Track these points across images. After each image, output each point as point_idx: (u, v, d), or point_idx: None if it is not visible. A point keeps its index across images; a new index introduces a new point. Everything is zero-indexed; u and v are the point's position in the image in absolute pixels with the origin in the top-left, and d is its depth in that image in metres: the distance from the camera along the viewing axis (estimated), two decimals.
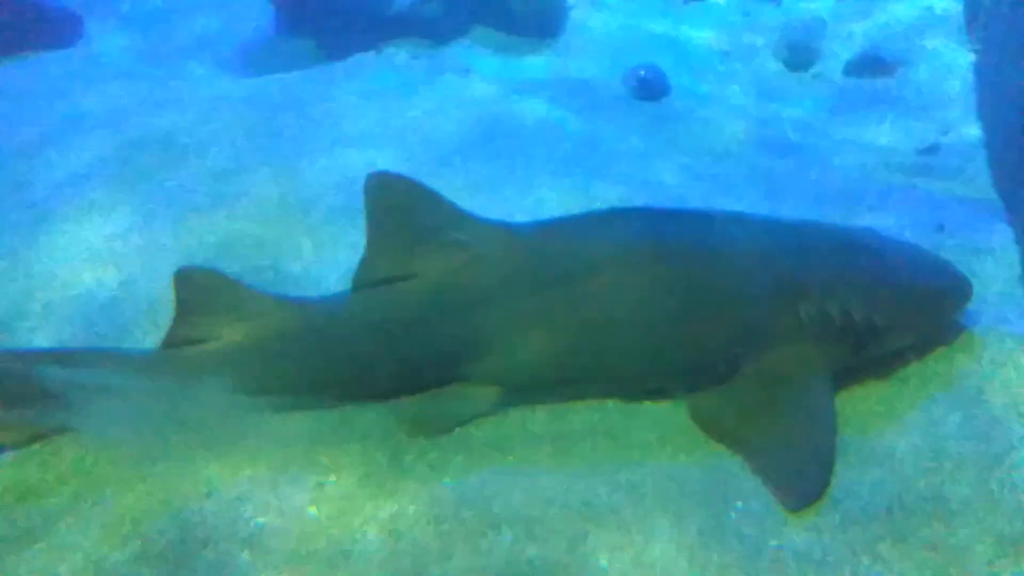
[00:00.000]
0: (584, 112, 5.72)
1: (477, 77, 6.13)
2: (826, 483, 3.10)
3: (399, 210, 3.50)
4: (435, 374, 3.44)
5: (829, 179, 5.09)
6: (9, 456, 3.31)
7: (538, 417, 3.42)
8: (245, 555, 2.92)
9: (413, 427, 3.36)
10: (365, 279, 3.49)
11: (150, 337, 3.75)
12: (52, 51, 6.56)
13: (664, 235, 3.56)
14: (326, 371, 3.43)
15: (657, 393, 3.47)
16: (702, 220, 3.73)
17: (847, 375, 3.47)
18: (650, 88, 6.12)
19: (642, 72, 6.18)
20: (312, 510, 3.06)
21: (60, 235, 4.44)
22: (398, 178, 3.53)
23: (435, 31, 6.53)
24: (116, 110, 5.64)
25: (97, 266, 4.22)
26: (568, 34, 6.85)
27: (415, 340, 3.39)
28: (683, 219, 3.76)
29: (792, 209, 4.56)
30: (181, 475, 3.19)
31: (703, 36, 6.97)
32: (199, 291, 3.39)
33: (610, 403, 3.45)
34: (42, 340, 3.83)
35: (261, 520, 3.02)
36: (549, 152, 5.17)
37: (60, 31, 6.67)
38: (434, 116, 5.55)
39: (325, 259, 4.29)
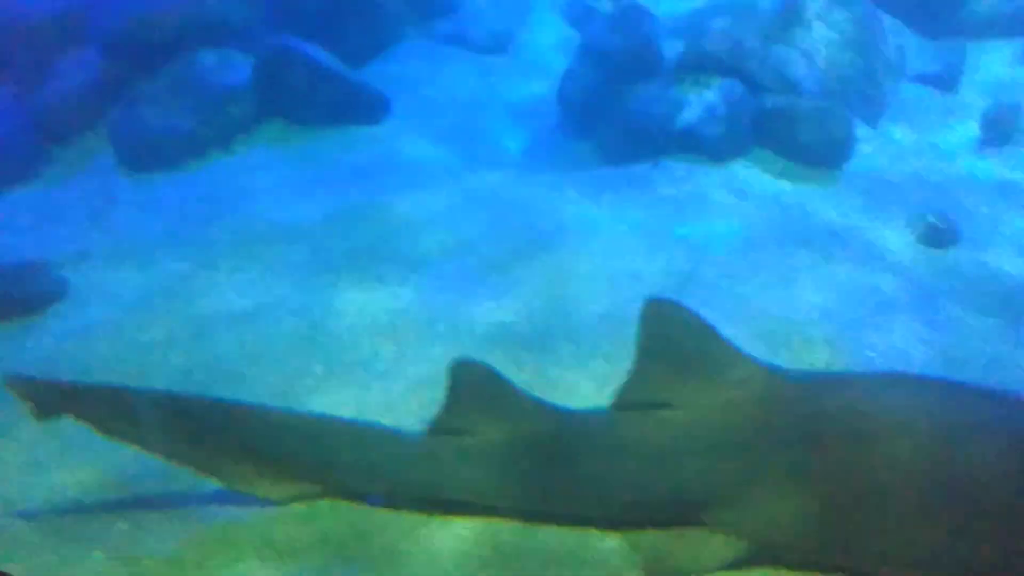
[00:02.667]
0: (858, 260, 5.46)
1: (752, 200, 6.07)
2: None
3: (672, 338, 3.48)
4: (679, 512, 3.36)
5: None
6: (273, 511, 3.59)
7: None
8: None
9: (654, 565, 3.28)
10: (626, 400, 3.50)
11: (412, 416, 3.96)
12: (363, 127, 7.27)
13: (953, 410, 3.29)
14: (572, 484, 3.44)
15: None
16: (995, 401, 3.41)
17: None
18: (939, 236, 5.76)
19: (930, 218, 5.85)
20: None
21: (350, 303, 4.85)
22: (674, 306, 3.51)
23: (715, 149, 6.55)
24: (393, 191, 6.13)
25: (377, 337, 4.56)
26: (852, 166, 6.63)
27: (665, 472, 3.33)
28: (975, 397, 3.46)
29: None
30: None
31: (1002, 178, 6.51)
32: (470, 384, 3.54)
33: None
34: (319, 401, 4.16)
35: None
36: None
37: (371, 109, 7.38)
38: (704, 234, 5.57)
39: (581, 368, 4.36)
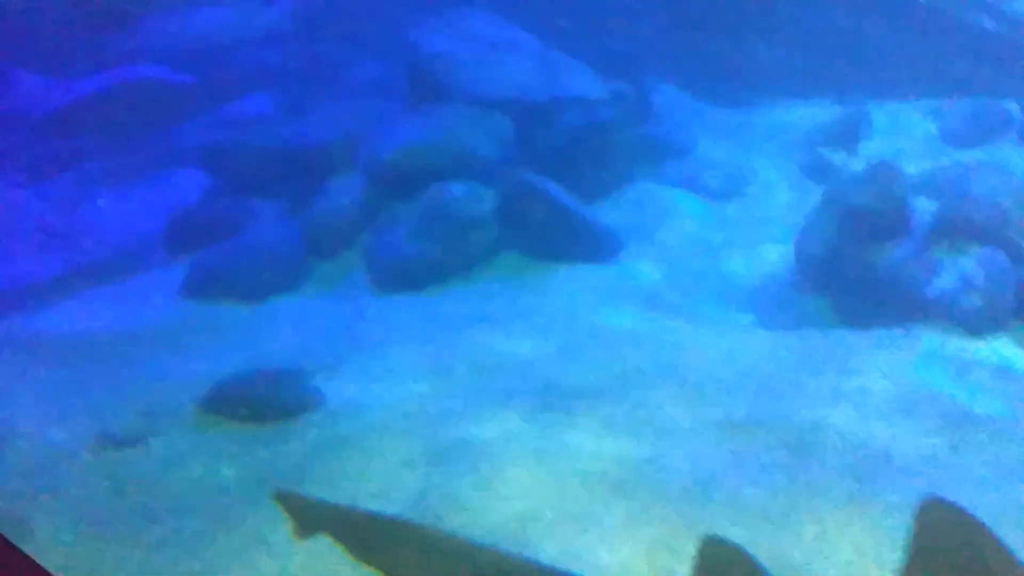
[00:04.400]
0: None
1: (1017, 383, 5.59)
2: None
3: (945, 540, 3.21)
4: None
5: None
6: None
7: None
8: None
9: None
10: None
11: None
12: (595, 264, 7.43)
13: None
14: None
15: None
16: None
17: None
18: None
19: None
20: None
21: (581, 447, 4.84)
22: (951, 509, 3.27)
23: (971, 322, 6.13)
24: (626, 332, 6.14)
25: (609, 490, 4.50)
26: None
27: None
28: None
29: None
30: None
31: None
32: (717, 564, 3.39)
33: None
34: (548, 549, 4.09)
35: None
36: None
37: (604, 248, 7.55)
38: (961, 413, 5.17)
39: (827, 553, 4.07)
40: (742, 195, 8.85)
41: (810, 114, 9.91)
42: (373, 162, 7.80)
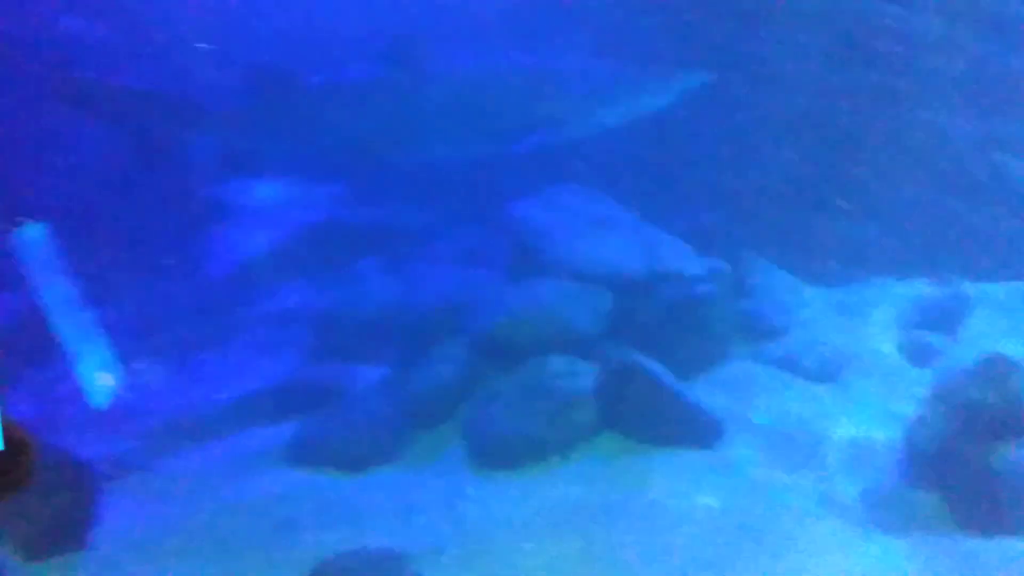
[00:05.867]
0: None
1: None
2: None
3: None
4: None
5: None
6: None
7: None
8: None
9: None
10: None
11: None
12: (695, 450, 7.31)
13: None
14: None
15: None
16: None
17: None
18: None
19: None
20: None
21: None
22: None
23: None
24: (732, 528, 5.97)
25: None
26: None
27: None
28: None
29: None
30: None
31: None
32: None
33: None
34: None
35: None
36: None
37: (705, 433, 7.44)
38: None
39: None
40: (841, 378, 8.68)
41: (905, 293, 9.84)
42: (475, 333, 7.95)
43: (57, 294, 7.57)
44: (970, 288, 9.59)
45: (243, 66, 9.78)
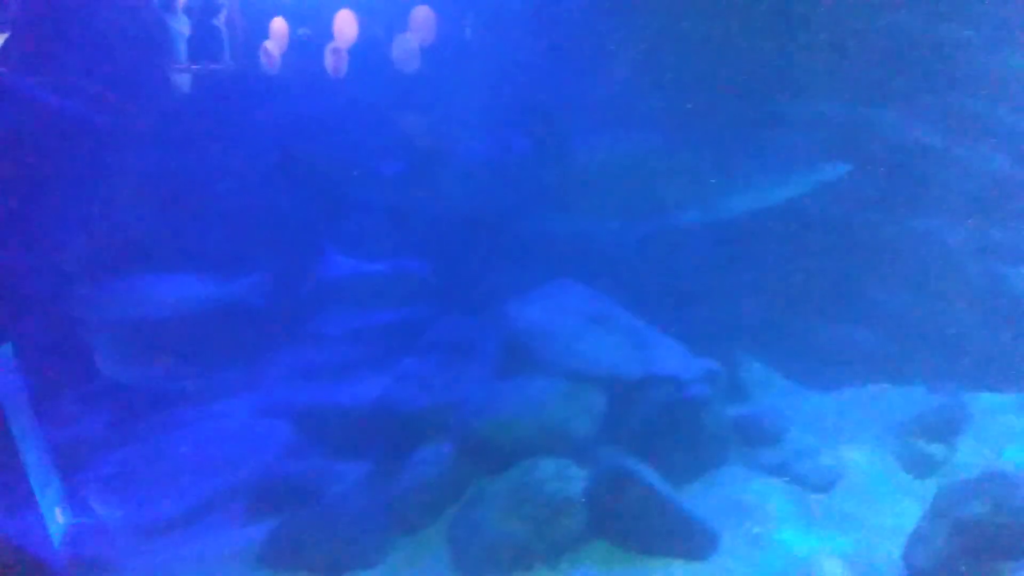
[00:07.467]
0: None
1: None
2: None
3: None
4: None
5: None
6: None
7: None
8: None
9: None
10: None
11: None
12: (687, 561, 6.99)
13: None
14: None
15: None
16: None
17: None
18: None
19: None
20: None
21: None
22: None
23: None
24: None
25: None
26: None
27: None
28: None
29: None
30: None
31: None
32: None
33: None
34: None
35: None
36: None
37: (698, 544, 7.14)
38: None
39: None
40: (838, 488, 8.40)
41: (902, 400, 9.66)
42: (463, 433, 7.70)
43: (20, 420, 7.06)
44: (968, 398, 9.44)
45: None
